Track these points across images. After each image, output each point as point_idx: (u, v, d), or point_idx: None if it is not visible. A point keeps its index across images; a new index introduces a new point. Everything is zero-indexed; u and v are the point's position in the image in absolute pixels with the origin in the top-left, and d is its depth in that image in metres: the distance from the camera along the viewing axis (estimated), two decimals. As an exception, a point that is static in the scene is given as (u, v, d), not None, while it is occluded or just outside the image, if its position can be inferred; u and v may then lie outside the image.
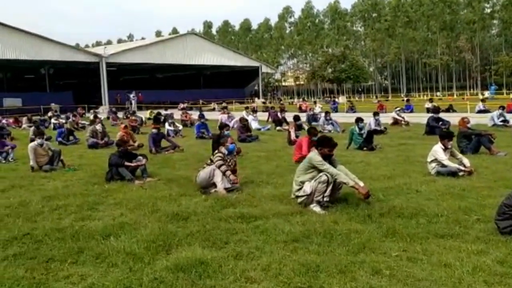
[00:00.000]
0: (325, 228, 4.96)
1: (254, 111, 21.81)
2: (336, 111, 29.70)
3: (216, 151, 7.67)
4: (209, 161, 7.61)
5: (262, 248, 4.54)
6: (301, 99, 61.00)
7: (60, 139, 15.51)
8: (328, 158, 6.12)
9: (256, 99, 52.63)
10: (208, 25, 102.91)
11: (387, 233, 4.76)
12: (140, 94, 44.10)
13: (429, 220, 5.15)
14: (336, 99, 44.55)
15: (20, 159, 11.73)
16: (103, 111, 35.82)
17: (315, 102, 34.49)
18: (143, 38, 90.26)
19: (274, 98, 61.80)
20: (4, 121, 24.72)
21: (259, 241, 4.76)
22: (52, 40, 39.80)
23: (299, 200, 6.08)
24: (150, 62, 47.33)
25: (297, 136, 13.37)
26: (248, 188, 7.38)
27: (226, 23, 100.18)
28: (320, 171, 5.98)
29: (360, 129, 11.91)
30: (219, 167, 7.25)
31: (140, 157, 8.77)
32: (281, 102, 43.98)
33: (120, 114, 30.93)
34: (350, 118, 22.96)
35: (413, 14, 75.99)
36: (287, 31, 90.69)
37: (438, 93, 62.35)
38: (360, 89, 78.39)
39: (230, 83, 59.44)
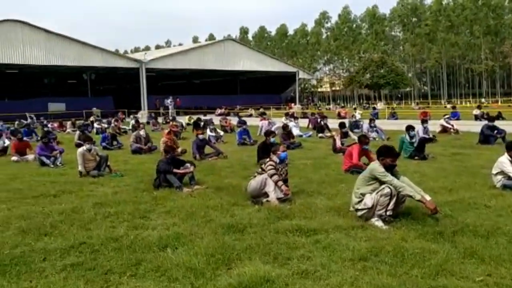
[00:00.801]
0: (394, 246, 4.62)
1: (295, 117, 21.51)
2: (377, 118, 29.02)
3: (268, 160, 7.42)
4: (259, 169, 7.37)
5: (328, 266, 4.25)
6: (338, 105, 60.29)
7: (104, 144, 15.70)
8: (390, 169, 5.77)
9: (292, 104, 52.25)
10: (244, 31, 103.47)
11: (465, 254, 4.37)
12: (178, 99, 44.58)
13: (509, 240, 4.71)
14: (376, 105, 43.62)
15: (68, 163, 11.90)
16: (142, 116, 36.36)
17: (355, 109, 33.81)
18: (180, 44, 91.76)
19: (310, 104, 61.27)
20: (49, 125, 25.42)
21: (323, 257, 4.48)
22: (95, 46, 40.84)
23: (359, 213, 5.75)
24: (188, 67, 47.83)
25: (342, 144, 13.00)
26: (300, 199, 7.11)
27: (262, 29, 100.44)
28: (382, 183, 5.64)
29: (411, 137, 11.42)
30: (271, 176, 7.00)
31: (188, 164, 8.64)
32: (320, 108, 43.37)
33: (160, 119, 31.27)
34: (392, 125, 22.39)
35: (455, 19, 73.83)
36: (324, 37, 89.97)
37: (483, 100, 60.06)
38: (399, 95, 76.59)
39: (266, 89, 59.37)
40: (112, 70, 44.97)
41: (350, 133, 13.38)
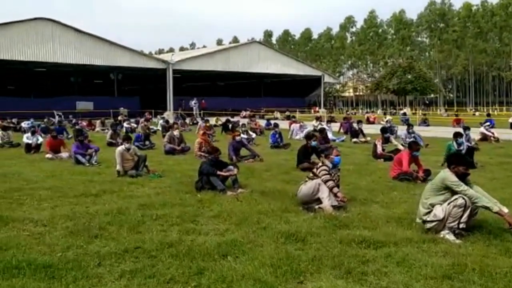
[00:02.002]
0: (478, 264, 4.20)
1: (328, 121, 21.07)
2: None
3: (320, 164, 7.06)
4: (311, 174, 7.01)
5: (410, 284, 3.87)
6: (362, 110, 59.43)
7: (136, 143, 15.50)
8: (463, 177, 5.34)
9: (317, 108, 51.69)
10: (268, 34, 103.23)
11: (561, 275, 3.94)
12: (203, 100, 44.52)
13: None
14: (405, 111, 42.72)
15: (103, 162, 11.75)
16: (168, 117, 36.31)
17: (385, 114, 33.12)
18: (204, 46, 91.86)
19: (334, 108, 60.57)
20: (79, 123, 25.50)
21: (401, 274, 4.09)
22: (124, 46, 40.98)
23: (428, 225, 5.33)
24: (214, 69, 47.72)
25: (383, 150, 12.54)
26: (353, 207, 6.72)
27: (286, 32, 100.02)
28: (454, 192, 5.21)
29: (459, 144, 10.90)
30: (325, 182, 6.63)
31: (231, 167, 8.35)
32: (348, 113, 42.77)
33: (187, 120, 31.15)
34: (424, 132, 21.68)
35: (485, 25, 72.19)
36: (348, 41, 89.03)
37: (512, 108, 58.51)
38: (427, 102, 75.02)
39: (290, 92, 58.86)
40: (138, 71, 45.12)
41: (391, 138, 12.87)
